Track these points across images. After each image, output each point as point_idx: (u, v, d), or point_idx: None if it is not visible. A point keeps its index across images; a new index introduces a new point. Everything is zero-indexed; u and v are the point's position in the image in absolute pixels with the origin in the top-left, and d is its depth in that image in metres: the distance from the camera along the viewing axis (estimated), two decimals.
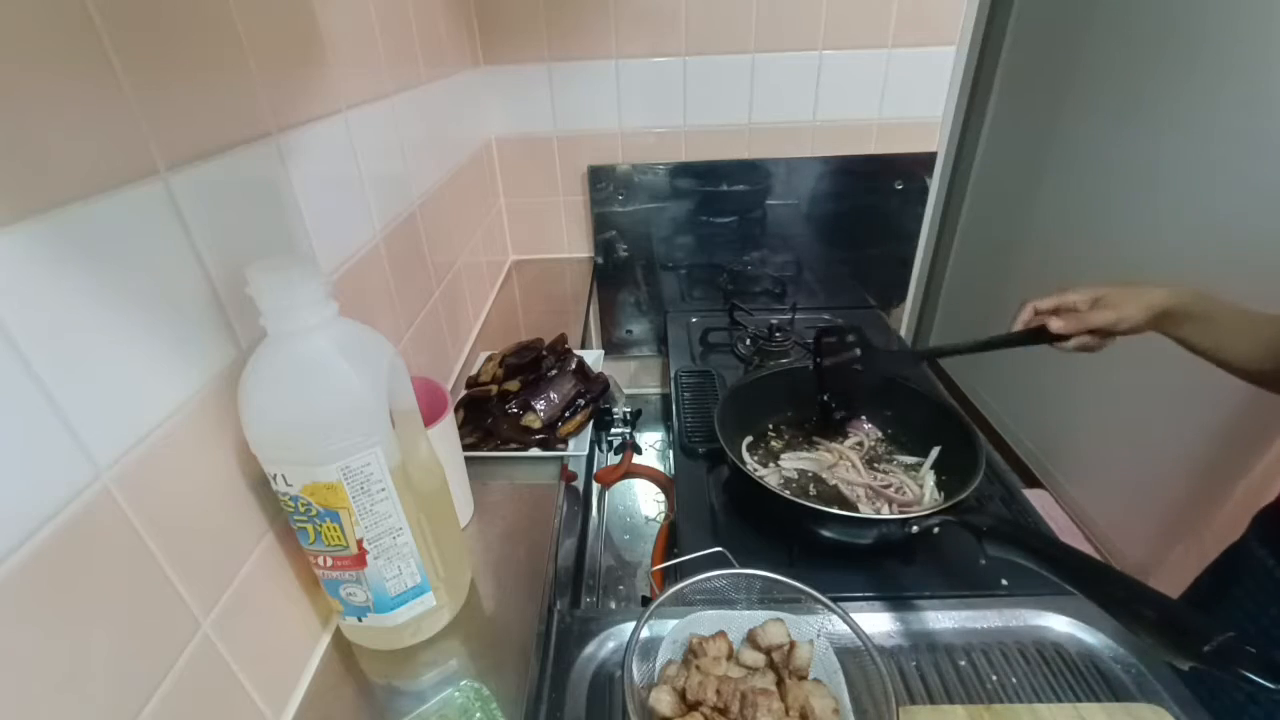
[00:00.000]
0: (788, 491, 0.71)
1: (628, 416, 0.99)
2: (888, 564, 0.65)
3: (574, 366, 0.78)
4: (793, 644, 0.50)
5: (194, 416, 0.36)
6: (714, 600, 0.55)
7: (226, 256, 0.39)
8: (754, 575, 0.54)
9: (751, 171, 1.15)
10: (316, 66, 0.52)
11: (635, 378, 1.38)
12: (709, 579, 0.54)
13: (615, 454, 1.02)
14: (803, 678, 0.49)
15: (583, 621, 0.59)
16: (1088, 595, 0.51)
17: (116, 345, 0.31)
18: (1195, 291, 0.63)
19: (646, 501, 0.97)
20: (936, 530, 0.61)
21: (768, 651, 0.51)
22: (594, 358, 0.85)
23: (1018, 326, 0.69)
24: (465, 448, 0.64)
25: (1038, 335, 0.67)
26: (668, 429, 1.07)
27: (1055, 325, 0.66)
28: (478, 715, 0.44)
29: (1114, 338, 0.65)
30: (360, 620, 0.46)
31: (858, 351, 0.78)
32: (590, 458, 0.89)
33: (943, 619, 0.59)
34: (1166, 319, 0.63)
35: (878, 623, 0.58)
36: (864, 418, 0.85)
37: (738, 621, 0.53)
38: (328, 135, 0.53)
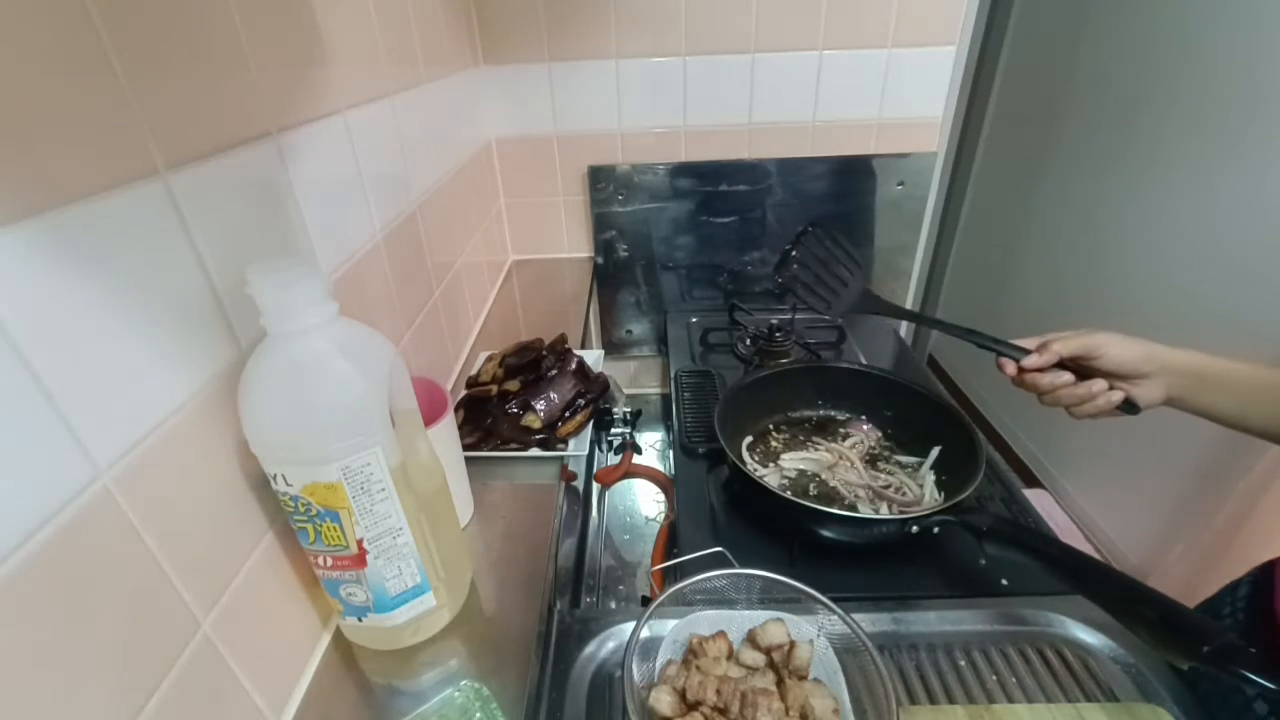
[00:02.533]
0: (788, 491, 0.71)
1: (628, 416, 0.99)
2: (888, 564, 0.65)
3: (574, 366, 0.78)
4: (793, 644, 0.50)
5: (194, 416, 0.36)
6: (714, 600, 0.55)
7: (226, 256, 0.39)
8: (754, 575, 0.54)
9: (751, 171, 1.15)
10: (316, 66, 0.52)
11: (635, 378, 1.38)
12: (709, 579, 0.54)
13: (615, 454, 1.02)
14: (803, 678, 0.49)
15: (583, 621, 0.59)
16: (1088, 595, 0.51)
17: (116, 345, 0.31)
18: (1189, 369, 0.57)
19: (646, 501, 0.97)
20: (936, 530, 0.61)
21: (768, 651, 0.51)
22: (594, 358, 0.85)
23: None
24: (465, 448, 0.64)
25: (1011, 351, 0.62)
26: (668, 429, 1.06)
27: (1029, 362, 0.60)
28: (478, 715, 0.44)
29: (1107, 391, 0.58)
30: (360, 620, 0.46)
31: (856, 265, 0.76)
32: (590, 458, 0.89)
33: (943, 619, 0.59)
34: (1173, 405, 0.59)
35: (878, 623, 0.58)
36: (864, 417, 0.85)
37: (738, 621, 0.53)
38: (328, 135, 0.53)
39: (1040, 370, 0.60)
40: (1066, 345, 0.59)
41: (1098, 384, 0.58)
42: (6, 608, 0.25)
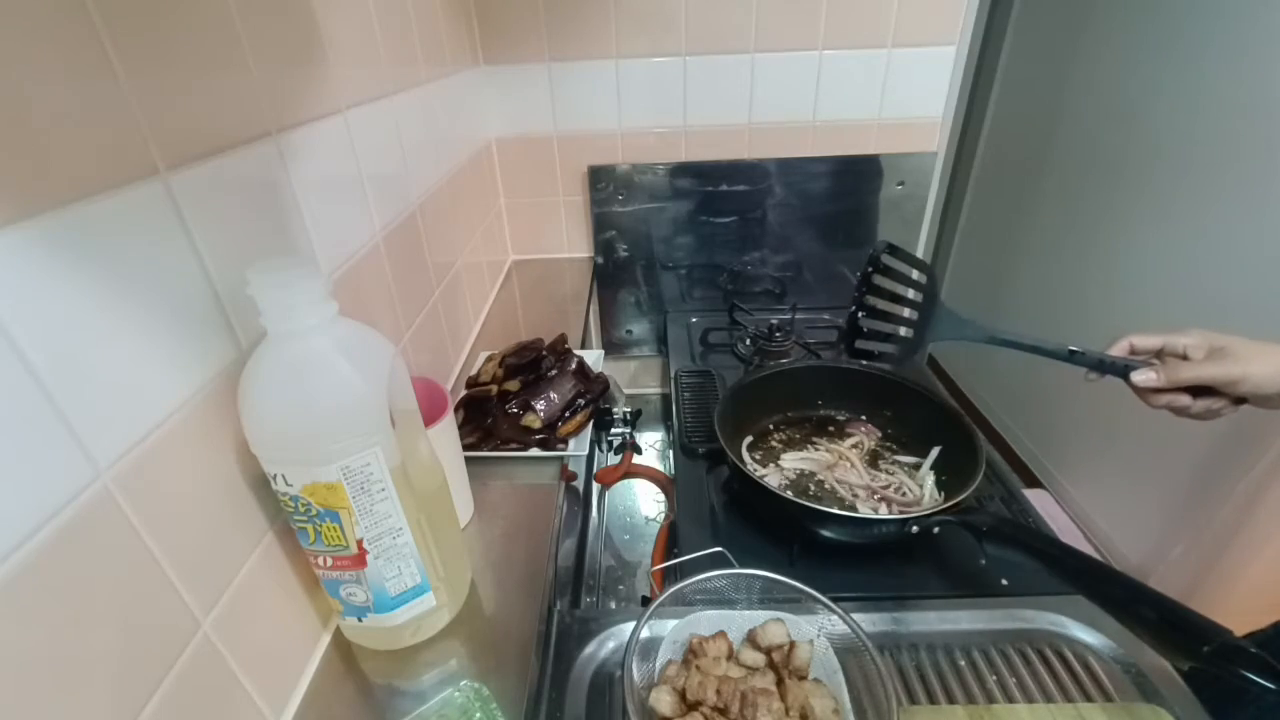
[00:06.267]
0: (788, 491, 0.71)
1: (628, 416, 0.99)
2: (888, 564, 0.65)
3: (574, 366, 0.78)
4: (793, 644, 0.50)
5: (194, 416, 0.36)
6: (714, 600, 0.55)
7: (226, 256, 0.39)
8: (754, 575, 0.54)
9: (751, 171, 1.15)
10: (316, 66, 0.52)
11: (635, 378, 1.38)
12: (709, 579, 0.54)
13: (615, 454, 1.02)
14: (803, 678, 0.49)
15: (583, 621, 0.59)
16: (1088, 595, 0.51)
17: (116, 345, 0.31)
18: None
19: (646, 501, 0.97)
20: (936, 530, 0.61)
21: (768, 651, 0.51)
22: (594, 358, 0.85)
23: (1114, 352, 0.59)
24: (465, 448, 0.64)
25: (1126, 371, 0.57)
26: (668, 429, 1.06)
27: (1140, 380, 0.55)
28: (478, 715, 0.44)
29: (1226, 407, 0.54)
30: (360, 620, 0.46)
31: (924, 281, 0.66)
32: (590, 458, 0.89)
33: (943, 619, 0.59)
34: None
35: (878, 623, 0.58)
36: (864, 417, 0.85)
37: (738, 621, 0.53)
38: (328, 135, 0.53)
39: (1157, 390, 0.55)
40: (1196, 372, 0.53)
41: (1217, 403, 0.54)
42: (6, 608, 0.25)
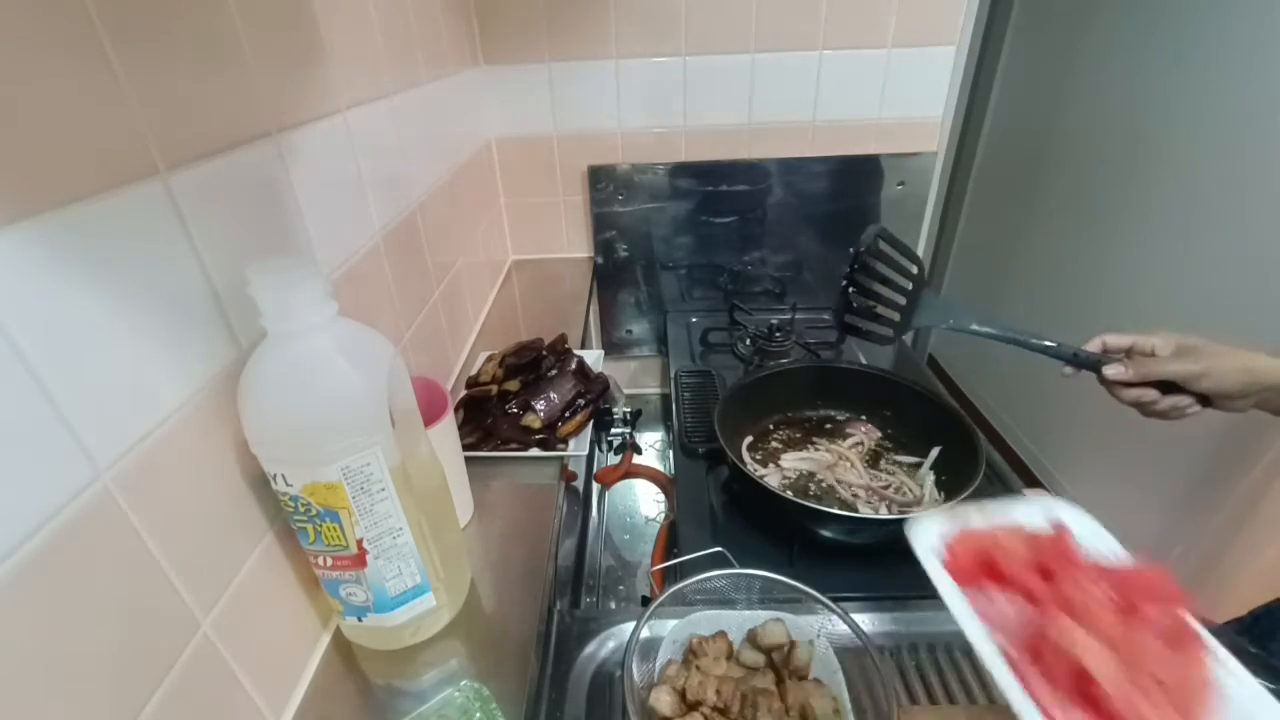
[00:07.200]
0: (788, 491, 0.71)
1: (628, 416, 0.99)
2: (888, 564, 0.65)
3: (574, 366, 0.78)
4: (793, 644, 0.50)
5: (194, 416, 0.36)
6: (714, 600, 0.55)
7: (226, 256, 0.39)
8: (754, 575, 0.54)
9: (751, 171, 1.15)
10: (316, 66, 0.52)
11: (635, 378, 1.38)
12: (709, 579, 0.54)
13: (615, 454, 1.02)
14: (803, 678, 0.49)
15: (583, 621, 0.59)
16: None
17: (116, 345, 0.31)
18: None
19: (646, 501, 0.97)
20: None
21: (768, 651, 0.51)
22: (594, 358, 0.85)
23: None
24: (465, 448, 0.64)
25: (1098, 365, 0.60)
26: (668, 429, 1.07)
27: (1111, 372, 0.58)
28: (478, 715, 0.44)
29: (1191, 406, 0.57)
30: (360, 620, 0.46)
31: (914, 269, 0.69)
32: (590, 458, 0.89)
33: (943, 619, 0.58)
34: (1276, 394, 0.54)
35: (878, 623, 0.58)
36: (864, 417, 0.85)
37: (738, 621, 0.53)
38: (328, 135, 0.53)
39: (1126, 385, 0.58)
40: (1163, 368, 0.57)
41: (1183, 400, 0.57)
42: (6, 608, 0.25)
